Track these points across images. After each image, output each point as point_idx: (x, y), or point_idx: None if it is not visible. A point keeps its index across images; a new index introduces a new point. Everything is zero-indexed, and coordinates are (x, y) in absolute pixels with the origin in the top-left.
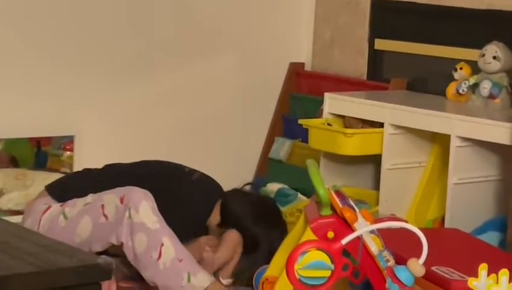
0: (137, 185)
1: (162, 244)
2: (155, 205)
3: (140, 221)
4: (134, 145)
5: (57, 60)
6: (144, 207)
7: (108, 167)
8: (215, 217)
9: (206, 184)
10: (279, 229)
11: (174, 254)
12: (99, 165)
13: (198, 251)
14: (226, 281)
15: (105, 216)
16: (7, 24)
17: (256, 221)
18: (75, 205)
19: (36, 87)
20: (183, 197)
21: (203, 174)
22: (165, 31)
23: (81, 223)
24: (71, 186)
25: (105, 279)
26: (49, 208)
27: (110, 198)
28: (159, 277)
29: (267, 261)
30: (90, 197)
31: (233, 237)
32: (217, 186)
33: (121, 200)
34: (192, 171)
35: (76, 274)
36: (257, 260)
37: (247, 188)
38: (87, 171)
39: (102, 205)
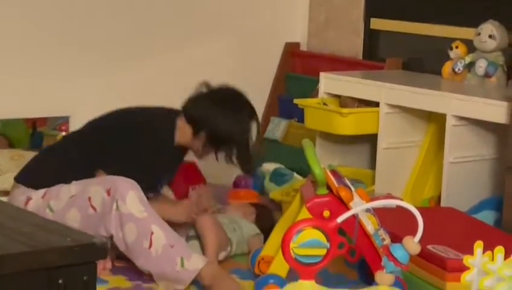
0: (97, 149)
1: (152, 233)
2: (142, 194)
3: (128, 212)
4: None
5: (52, 41)
6: (130, 197)
7: (65, 139)
8: (186, 132)
9: (160, 109)
10: (247, 110)
11: (165, 240)
12: None
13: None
14: (219, 256)
15: (94, 208)
16: (1, 5)
17: (225, 112)
18: (59, 198)
19: (32, 68)
20: (144, 129)
21: (151, 107)
22: (161, 12)
23: (68, 216)
24: (39, 170)
25: (101, 258)
26: (29, 199)
27: (96, 190)
28: (153, 264)
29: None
30: (74, 188)
31: (206, 222)
32: (168, 108)
33: (108, 192)
34: (138, 108)
35: (71, 254)
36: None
37: (202, 88)
38: (47, 150)
39: (89, 197)
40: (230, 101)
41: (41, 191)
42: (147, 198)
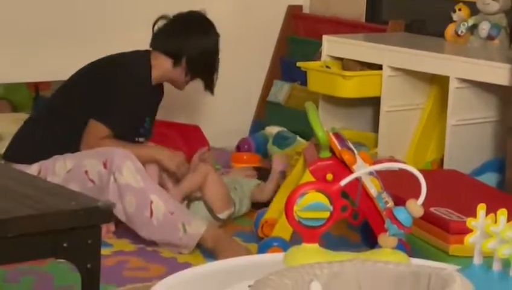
0: (74, 106)
1: (152, 202)
2: (138, 164)
3: (125, 182)
4: None
5: (55, 5)
6: (127, 168)
7: (40, 105)
8: (164, 66)
9: (130, 52)
10: (214, 28)
11: (165, 208)
12: None
13: (177, 161)
14: (223, 215)
15: (92, 181)
16: None
17: (196, 34)
18: (56, 173)
19: (34, 32)
20: (117, 75)
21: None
22: None
23: None
24: (27, 144)
25: (105, 222)
26: None
27: (92, 163)
28: (155, 233)
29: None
30: (69, 162)
31: (205, 170)
32: (140, 50)
33: (104, 165)
34: (112, 55)
35: (76, 217)
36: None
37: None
38: (28, 121)
39: (86, 171)
40: (197, 23)
41: (35, 167)
42: (138, 142)
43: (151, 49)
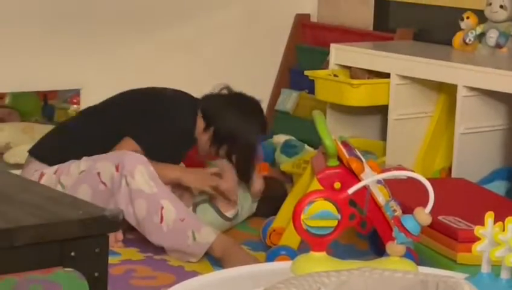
0: (115, 125)
1: (162, 207)
2: (151, 168)
3: (137, 187)
4: None
5: (63, 14)
6: (139, 172)
7: (82, 114)
8: (199, 125)
9: (182, 95)
10: (259, 119)
11: (175, 214)
12: None
13: (204, 179)
14: (230, 213)
15: (104, 183)
16: None
17: (236, 114)
18: (70, 173)
19: (42, 41)
20: (165, 113)
21: (174, 90)
22: None
23: (80, 191)
24: (53, 145)
25: (112, 231)
26: (42, 175)
27: (105, 166)
28: (165, 239)
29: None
30: (83, 164)
31: (230, 167)
32: (192, 96)
33: (116, 168)
34: (164, 89)
35: (82, 226)
36: (245, 155)
37: (224, 91)
38: (63, 125)
39: (98, 173)
40: (245, 106)
41: (55, 167)
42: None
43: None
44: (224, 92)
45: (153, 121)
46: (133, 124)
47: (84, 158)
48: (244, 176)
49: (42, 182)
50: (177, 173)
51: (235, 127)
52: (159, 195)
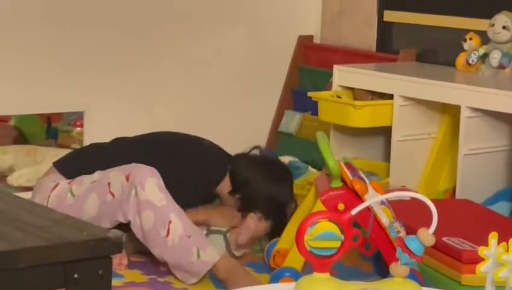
0: (146, 155)
1: (170, 221)
2: (161, 182)
3: (146, 199)
4: (144, 120)
5: (67, 36)
6: (149, 184)
7: (116, 141)
8: (226, 184)
9: (217, 149)
10: (288, 184)
11: (182, 230)
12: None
13: (230, 220)
14: (238, 253)
15: (112, 194)
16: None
17: (265, 181)
18: (82, 183)
19: (46, 64)
20: (196, 161)
21: (211, 142)
22: (174, 4)
23: (88, 201)
24: (79, 162)
25: (116, 253)
26: (57, 185)
27: (116, 176)
28: (168, 253)
29: (282, 217)
30: (96, 175)
31: (251, 224)
32: (226, 153)
33: (127, 178)
34: (201, 138)
35: (86, 248)
36: (273, 218)
37: (255, 152)
38: (94, 146)
39: (109, 183)
40: (273, 169)
41: (69, 180)
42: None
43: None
44: (255, 152)
45: (181, 162)
46: (161, 160)
47: (98, 171)
48: (277, 235)
49: (55, 191)
50: (204, 216)
51: (265, 192)
52: (168, 208)
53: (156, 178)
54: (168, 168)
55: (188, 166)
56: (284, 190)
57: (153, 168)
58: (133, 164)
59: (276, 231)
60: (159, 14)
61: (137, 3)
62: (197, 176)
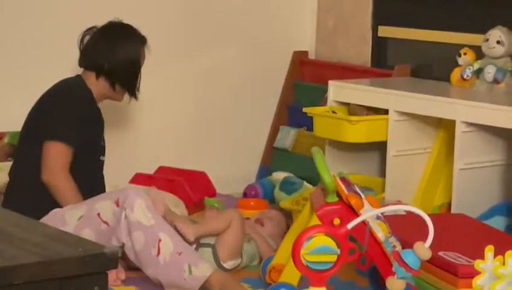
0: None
1: (160, 240)
2: (149, 201)
3: (135, 220)
4: (138, 136)
5: (61, 52)
6: (138, 205)
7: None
8: (91, 82)
9: (63, 80)
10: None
11: (173, 248)
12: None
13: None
14: (227, 265)
15: (106, 223)
16: (16, 17)
17: (113, 41)
18: (66, 223)
19: (41, 80)
20: (61, 99)
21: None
22: (170, 21)
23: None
24: (22, 199)
25: (111, 268)
26: None
27: (104, 204)
28: (161, 272)
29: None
30: (80, 210)
31: (231, 216)
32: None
33: (117, 204)
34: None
35: (82, 264)
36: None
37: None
38: (17, 177)
39: (99, 214)
40: (116, 31)
41: (46, 219)
42: (101, 162)
43: (81, 70)
44: (89, 33)
45: (59, 113)
46: (43, 128)
47: (77, 204)
48: (134, 92)
49: None
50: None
51: (113, 53)
52: (156, 228)
53: (143, 198)
54: (54, 128)
55: (65, 110)
56: (133, 38)
57: (139, 190)
58: (121, 189)
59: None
60: (157, 33)
61: (135, 25)
62: (77, 107)
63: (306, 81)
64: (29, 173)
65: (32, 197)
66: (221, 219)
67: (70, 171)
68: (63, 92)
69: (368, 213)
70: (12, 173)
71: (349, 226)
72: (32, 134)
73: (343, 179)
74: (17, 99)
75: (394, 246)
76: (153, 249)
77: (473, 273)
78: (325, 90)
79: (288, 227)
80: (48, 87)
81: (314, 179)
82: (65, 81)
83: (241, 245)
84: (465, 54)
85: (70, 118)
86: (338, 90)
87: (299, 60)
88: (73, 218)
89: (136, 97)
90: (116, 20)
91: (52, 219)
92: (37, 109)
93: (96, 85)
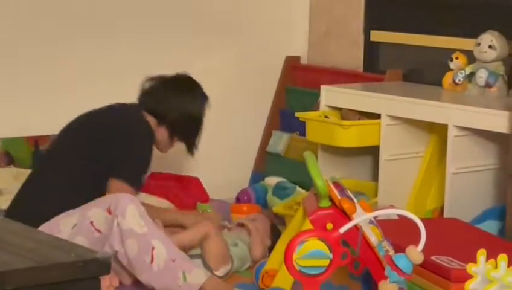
0: (66, 160)
1: (153, 247)
2: (141, 208)
3: (128, 227)
4: None
5: (54, 59)
6: (130, 212)
7: (41, 163)
8: (157, 130)
9: (127, 109)
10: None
11: (166, 255)
12: None
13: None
14: (220, 272)
15: (99, 231)
16: (9, 19)
17: (178, 94)
18: (61, 231)
19: (34, 86)
20: (126, 137)
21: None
22: (162, 26)
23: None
24: (31, 203)
25: (104, 273)
26: None
27: (96, 212)
28: (155, 279)
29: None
30: (74, 218)
31: (203, 228)
32: (132, 104)
33: (109, 211)
34: (108, 108)
35: (74, 269)
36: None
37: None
38: (32, 179)
39: (91, 222)
40: (183, 85)
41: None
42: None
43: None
44: (151, 82)
45: (127, 147)
46: (109, 160)
47: (71, 211)
48: (192, 148)
49: None
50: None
51: (187, 106)
52: (149, 235)
53: (135, 204)
54: (124, 169)
55: (138, 142)
56: (197, 93)
57: (131, 195)
58: (112, 195)
59: (193, 143)
60: (148, 37)
61: (128, 27)
62: (143, 146)
63: (298, 86)
64: (63, 183)
65: (61, 205)
66: (194, 232)
67: (102, 189)
68: (133, 127)
69: (361, 217)
70: (36, 178)
71: (342, 230)
72: (79, 153)
73: (336, 184)
74: (8, 105)
75: (387, 250)
76: (147, 256)
77: (466, 277)
78: (318, 95)
79: (272, 226)
80: (37, 92)
81: (307, 183)
82: (127, 110)
83: (226, 251)
84: (457, 58)
85: (141, 161)
86: (330, 95)
87: (292, 65)
88: (67, 226)
89: (192, 153)
90: (183, 73)
91: (49, 226)
92: (91, 130)
93: (156, 130)
